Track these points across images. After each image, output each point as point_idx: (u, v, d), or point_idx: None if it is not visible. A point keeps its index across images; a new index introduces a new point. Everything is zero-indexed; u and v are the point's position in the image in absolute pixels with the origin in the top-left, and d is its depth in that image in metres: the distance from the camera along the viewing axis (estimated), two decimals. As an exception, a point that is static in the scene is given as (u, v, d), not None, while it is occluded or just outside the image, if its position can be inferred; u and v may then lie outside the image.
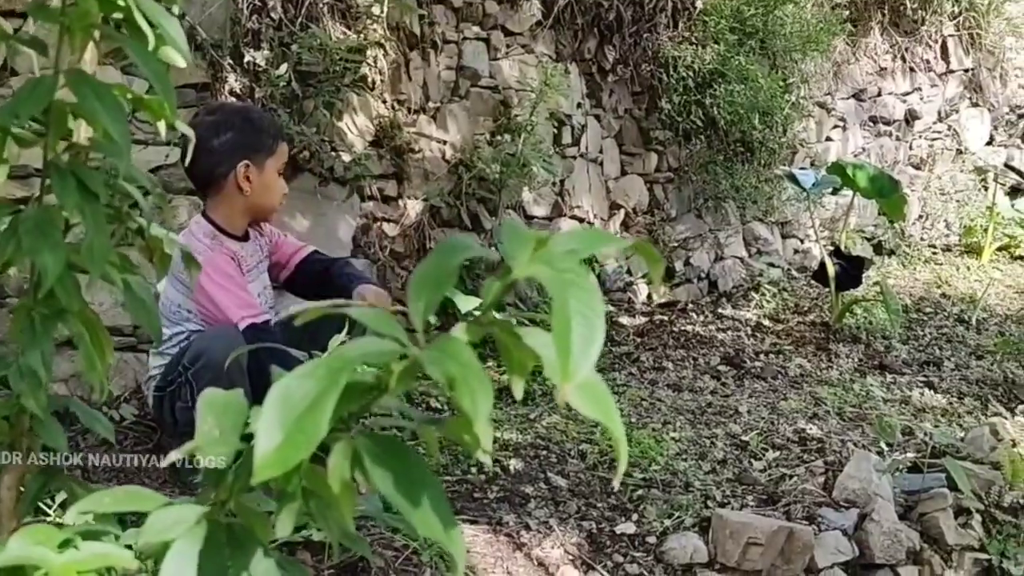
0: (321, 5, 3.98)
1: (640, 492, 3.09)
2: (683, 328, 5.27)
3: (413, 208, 4.43)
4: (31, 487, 1.25)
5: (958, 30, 8.24)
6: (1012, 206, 8.18)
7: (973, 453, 3.48)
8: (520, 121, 4.75)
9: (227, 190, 2.87)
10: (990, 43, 8.47)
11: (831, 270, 5.29)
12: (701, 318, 5.54)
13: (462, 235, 0.95)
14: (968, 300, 6.27)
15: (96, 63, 1.24)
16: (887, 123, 7.86)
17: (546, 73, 4.79)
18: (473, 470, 3.09)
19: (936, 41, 8.12)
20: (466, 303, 4.09)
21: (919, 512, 3.21)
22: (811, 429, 3.78)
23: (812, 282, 6.06)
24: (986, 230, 7.63)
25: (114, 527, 1.05)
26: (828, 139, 7.29)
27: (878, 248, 7.38)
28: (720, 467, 3.36)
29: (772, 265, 6.38)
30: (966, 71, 8.50)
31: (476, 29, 4.78)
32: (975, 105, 8.64)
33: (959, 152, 8.48)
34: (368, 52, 4.10)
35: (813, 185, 5.56)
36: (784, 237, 6.89)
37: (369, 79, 4.16)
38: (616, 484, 0.98)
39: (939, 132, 8.38)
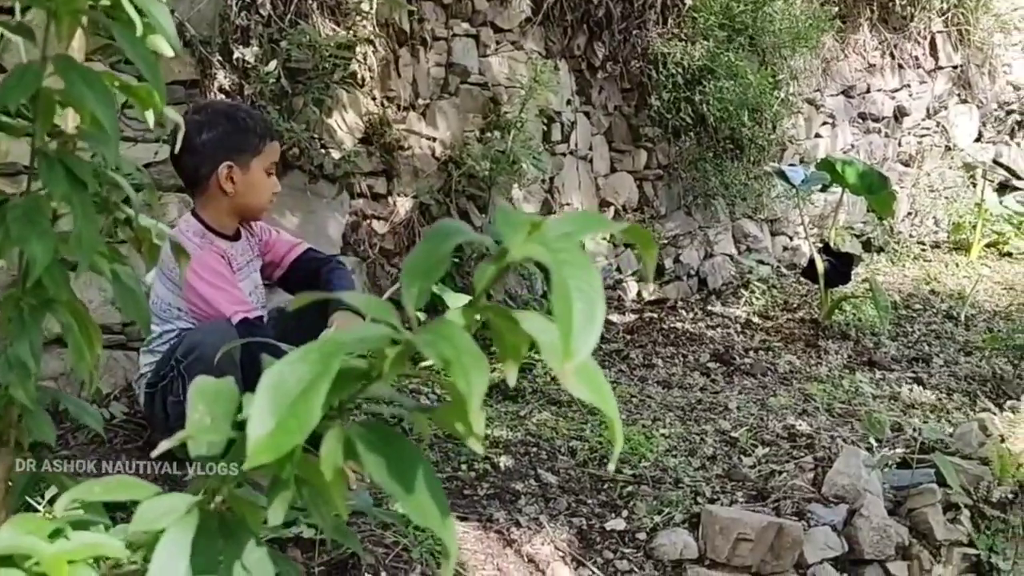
0: (310, 2, 3.96)
1: (630, 488, 3.09)
2: (673, 325, 5.27)
3: (403, 205, 4.42)
4: (20, 480, 1.24)
5: (947, 26, 8.26)
6: (1000, 203, 8.21)
7: (962, 449, 3.49)
8: (510, 118, 4.75)
9: (212, 190, 2.85)
10: (979, 39, 8.50)
11: (820, 267, 5.30)
12: (691, 315, 5.55)
13: (453, 221, 0.94)
14: (957, 296, 6.30)
15: (83, 52, 1.23)
16: (876, 120, 7.88)
17: (536, 70, 4.79)
18: (463, 467, 3.09)
19: (925, 37, 8.14)
20: (455, 300, 4.08)
21: (908, 507, 3.21)
22: (800, 425, 3.78)
23: (801, 279, 6.08)
24: (974, 227, 7.66)
25: (103, 518, 1.05)
26: (817, 136, 7.31)
27: (867, 245, 7.40)
28: (710, 463, 3.37)
29: (761, 262, 6.39)
30: (955, 67, 8.53)
31: (465, 26, 4.77)
32: (964, 101, 8.67)
33: (948, 149, 8.51)
34: (357, 49, 4.08)
35: (802, 182, 5.57)
36: (773, 234, 6.90)
37: (359, 76, 4.15)
38: (612, 467, 0.98)
39: (928, 129, 8.41)
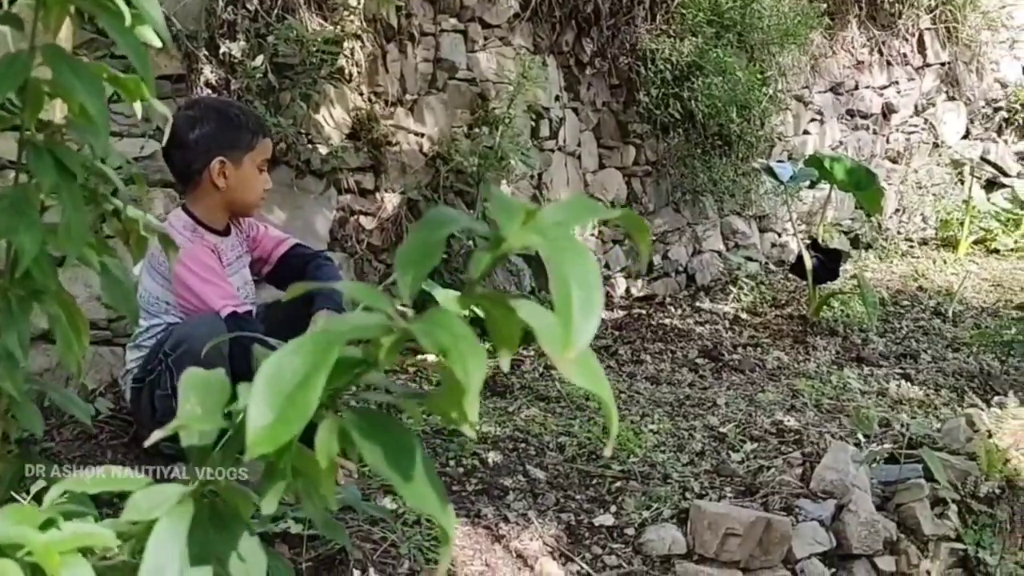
0: (298, -4, 3.96)
1: (618, 484, 3.09)
2: (661, 321, 5.28)
3: (390, 201, 4.41)
4: (7, 472, 1.24)
5: (935, 24, 8.28)
6: (988, 200, 8.25)
7: (949, 444, 3.49)
8: (498, 114, 4.74)
9: (203, 186, 2.85)
10: (966, 37, 8.52)
11: (808, 263, 5.31)
12: (679, 311, 5.55)
13: (447, 209, 0.94)
14: (944, 293, 6.31)
15: (71, 43, 1.22)
16: (864, 116, 7.90)
17: (524, 66, 4.78)
18: (451, 463, 3.08)
19: (913, 35, 8.16)
20: (444, 296, 4.07)
21: (896, 503, 3.22)
22: (789, 421, 3.79)
23: (790, 275, 6.09)
24: (962, 223, 7.68)
25: (92, 510, 1.04)
26: (805, 132, 7.32)
27: (855, 241, 7.41)
28: (698, 459, 3.37)
29: (750, 259, 6.39)
30: (943, 65, 8.55)
31: (453, 21, 4.76)
32: (952, 99, 8.69)
33: (936, 146, 8.53)
34: (345, 44, 4.07)
35: (791, 178, 5.58)
36: (762, 231, 6.91)
37: (346, 71, 4.14)
38: (608, 452, 0.99)
39: (916, 126, 8.42)
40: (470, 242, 4.37)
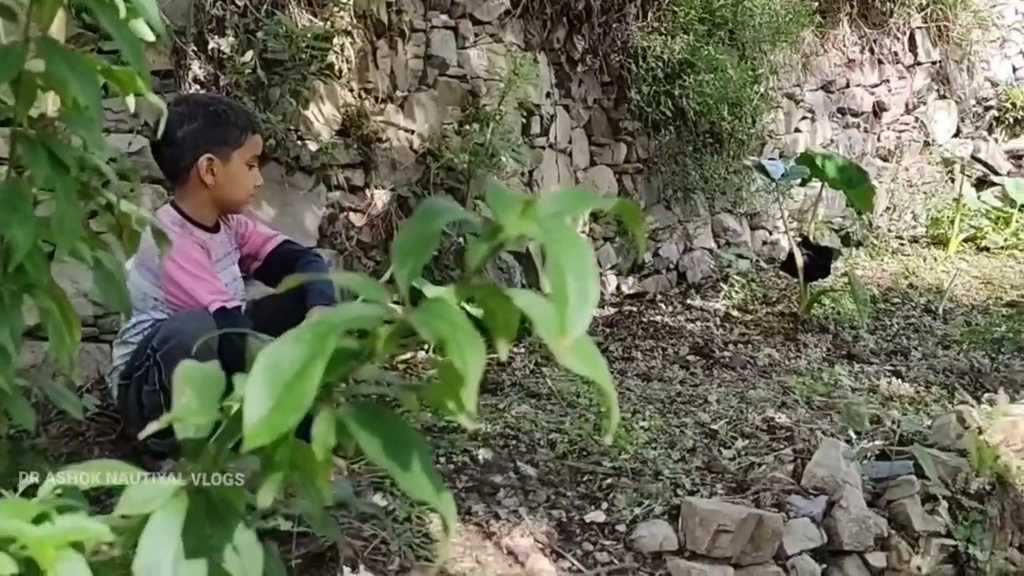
0: (287, -8, 3.94)
1: (609, 481, 3.08)
2: (652, 319, 5.27)
3: (380, 198, 4.39)
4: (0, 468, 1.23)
5: (926, 22, 8.29)
6: (978, 198, 8.26)
7: (940, 440, 3.49)
8: (488, 111, 4.73)
9: (192, 182, 2.85)
10: (957, 36, 8.54)
11: (799, 261, 5.30)
12: (670, 309, 5.55)
13: (443, 199, 0.93)
14: (935, 291, 6.32)
15: (64, 35, 1.22)
16: (855, 115, 7.90)
17: (515, 62, 4.77)
18: (441, 460, 3.07)
19: (904, 33, 8.17)
20: (434, 293, 4.05)
21: (887, 499, 3.21)
22: (780, 418, 3.78)
23: (781, 273, 6.09)
24: (953, 221, 7.70)
25: (84, 504, 1.03)
26: (797, 130, 7.32)
27: (846, 239, 7.42)
28: (689, 455, 3.36)
29: (741, 256, 6.39)
30: (933, 63, 8.56)
31: (444, 18, 4.75)
32: (942, 97, 8.70)
33: (926, 144, 8.54)
34: (335, 40, 4.06)
35: (782, 175, 5.57)
36: (753, 228, 6.91)
37: (336, 67, 4.12)
38: (608, 440, 1.00)
39: (907, 124, 8.43)
40: (460, 239, 4.36)
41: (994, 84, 9.17)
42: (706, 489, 3.07)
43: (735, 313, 5.54)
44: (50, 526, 0.91)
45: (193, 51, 3.64)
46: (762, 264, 6.60)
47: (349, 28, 4.12)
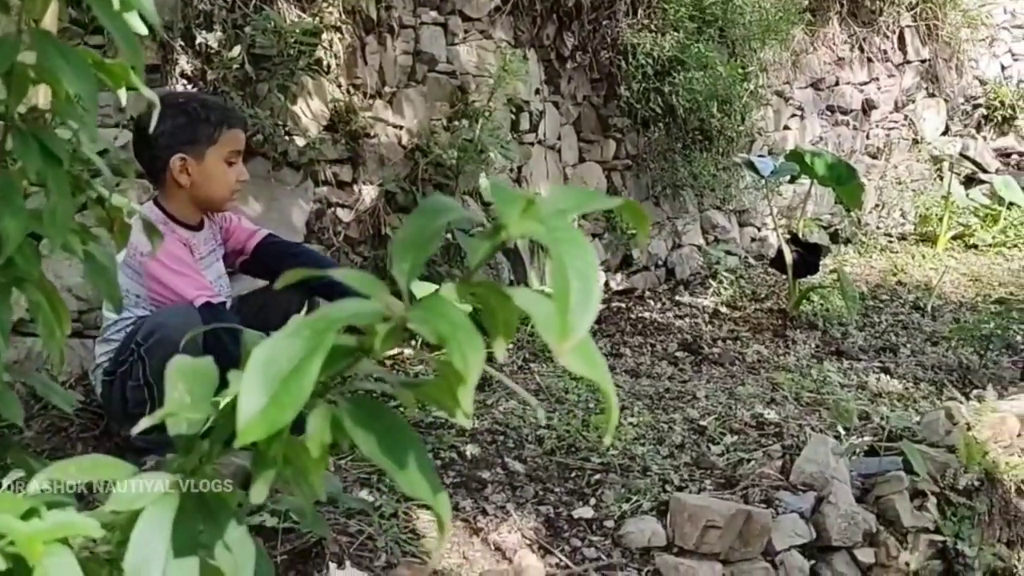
0: (275, -14, 3.92)
1: (598, 477, 3.08)
2: (641, 315, 5.27)
3: (368, 193, 4.38)
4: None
5: (915, 21, 8.30)
6: (967, 195, 8.27)
7: (929, 437, 3.50)
8: (478, 107, 4.71)
9: (169, 182, 2.83)
10: (946, 34, 8.55)
11: (788, 257, 5.30)
12: (658, 305, 5.54)
13: (445, 197, 0.93)
14: (923, 288, 6.33)
15: (55, 28, 1.20)
16: (844, 112, 7.91)
17: (504, 59, 4.76)
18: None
19: (894, 32, 8.18)
20: (424, 290, 4.05)
21: (876, 495, 3.22)
22: (769, 414, 3.78)
23: (769, 270, 6.09)
24: (941, 219, 7.71)
25: (72, 500, 1.02)
26: (786, 128, 7.32)
27: (835, 236, 7.43)
28: (678, 451, 3.36)
29: (729, 253, 6.39)
30: (923, 62, 8.57)
31: (433, 14, 4.74)
32: (931, 95, 8.71)
33: (915, 142, 8.55)
34: (323, 35, 4.04)
35: (771, 173, 5.57)
36: (742, 225, 6.91)
37: (324, 63, 4.10)
38: (608, 440, 0.98)
39: (896, 122, 8.44)
40: (448, 235, 4.34)
41: (983, 82, 9.19)
42: (694, 485, 3.07)
43: (724, 310, 5.54)
44: (39, 522, 0.90)
45: (180, 46, 3.62)
46: (751, 261, 6.60)
47: (338, 23, 4.11)
